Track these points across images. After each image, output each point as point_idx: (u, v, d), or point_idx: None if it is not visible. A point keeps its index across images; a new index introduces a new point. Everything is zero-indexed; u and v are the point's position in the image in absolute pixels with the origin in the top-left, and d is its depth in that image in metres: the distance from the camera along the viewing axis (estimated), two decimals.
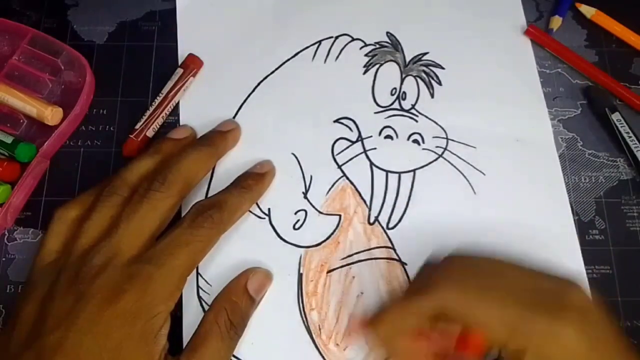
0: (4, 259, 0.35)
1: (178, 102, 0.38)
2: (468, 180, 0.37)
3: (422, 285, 0.28)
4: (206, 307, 0.33)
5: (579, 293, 0.27)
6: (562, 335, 0.25)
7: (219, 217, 0.31)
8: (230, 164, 0.37)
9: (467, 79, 0.40)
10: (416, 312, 0.28)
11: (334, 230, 0.36)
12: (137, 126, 0.37)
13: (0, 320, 0.34)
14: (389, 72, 0.40)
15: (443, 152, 0.38)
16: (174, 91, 0.37)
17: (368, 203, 0.36)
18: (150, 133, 0.37)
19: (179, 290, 0.30)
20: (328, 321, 0.34)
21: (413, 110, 0.39)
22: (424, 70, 0.40)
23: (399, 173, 0.37)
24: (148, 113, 0.37)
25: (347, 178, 0.37)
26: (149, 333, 0.28)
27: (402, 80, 0.40)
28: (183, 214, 0.33)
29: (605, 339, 0.26)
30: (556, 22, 0.41)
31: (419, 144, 0.38)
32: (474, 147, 0.38)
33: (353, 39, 0.41)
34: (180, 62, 0.39)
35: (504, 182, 0.37)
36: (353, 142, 0.38)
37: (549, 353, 0.25)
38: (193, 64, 0.38)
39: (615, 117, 0.38)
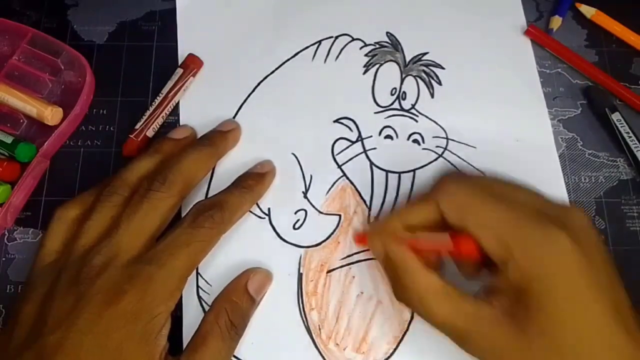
0: (4, 259, 0.35)
1: (178, 102, 0.38)
2: None
3: (422, 195, 0.29)
4: (206, 307, 0.33)
5: (582, 217, 0.27)
6: (553, 248, 0.25)
7: (220, 217, 0.31)
8: (231, 164, 0.37)
9: (467, 79, 0.40)
10: (410, 217, 0.28)
11: (334, 230, 0.36)
12: (137, 126, 0.37)
13: (0, 320, 0.34)
14: (389, 72, 0.40)
15: (443, 152, 0.38)
16: (174, 91, 0.37)
17: (368, 203, 0.36)
18: (150, 133, 0.37)
19: (179, 291, 0.30)
20: (328, 321, 0.34)
21: (413, 110, 0.39)
22: (424, 70, 0.40)
23: (399, 173, 0.37)
24: (148, 113, 0.37)
25: (347, 178, 0.37)
26: (149, 333, 0.28)
27: (402, 80, 0.40)
28: (183, 214, 0.33)
29: (597, 265, 0.26)
30: (556, 22, 0.41)
31: (419, 143, 0.38)
32: (474, 147, 0.38)
33: (353, 39, 0.41)
34: (180, 62, 0.39)
35: None
36: (353, 142, 0.38)
37: (534, 264, 0.25)
38: (193, 64, 0.38)
39: (615, 117, 0.38)
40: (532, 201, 0.28)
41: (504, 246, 0.26)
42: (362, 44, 0.40)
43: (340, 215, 0.36)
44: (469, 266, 0.30)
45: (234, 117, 0.38)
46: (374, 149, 0.38)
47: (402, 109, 0.39)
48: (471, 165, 0.37)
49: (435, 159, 0.38)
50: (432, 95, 0.39)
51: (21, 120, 0.37)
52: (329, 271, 0.35)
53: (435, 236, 0.28)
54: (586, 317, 0.25)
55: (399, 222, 0.29)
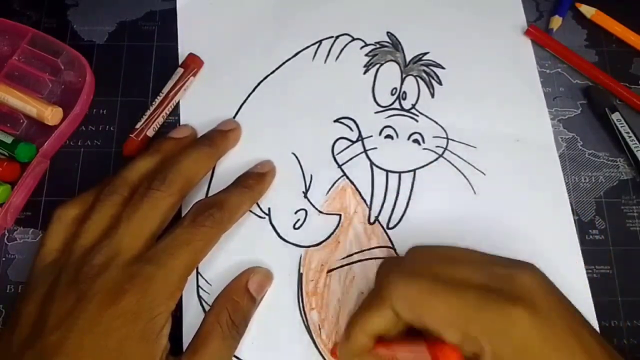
0: (4, 259, 0.35)
1: (178, 102, 0.38)
2: (468, 180, 0.37)
3: (374, 296, 0.28)
4: (206, 307, 0.33)
5: (528, 275, 0.26)
6: (513, 330, 0.24)
7: (220, 216, 0.31)
8: (231, 164, 0.37)
9: (467, 79, 0.40)
10: (371, 326, 0.27)
11: (334, 230, 0.36)
12: (138, 126, 0.37)
13: (0, 320, 0.34)
14: (390, 72, 0.40)
15: (443, 152, 0.38)
16: (174, 91, 0.37)
17: (368, 203, 0.36)
18: (150, 133, 0.37)
19: (179, 290, 0.30)
20: (328, 321, 0.34)
21: (413, 110, 0.39)
22: (424, 70, 0.40)
23: (399, 173, 0.37)
24: (148, 113, 0.37)
25: (348, 178, 0.37)
26: (150, 333, 0.28)
27: (403, 80, 0.40)
28: (184, 214, 0.33)
29: (560, 325, 0.25)
30: (556, 22, 0.41)
31: (419, 143, 0.38)
32: (474, 147, 0.38)
33: (353, 39, 0.41)
34: (180, 61, 0.39)
35: (504, 182, 0.37)
36: (353, 142, 0.38)
37: (504, 347, 0.24)
38: (193, 63, 0.38)
39: (615, 117, 0.38)
40: (480, 275, 0.27)
41: (472, 340, 0.25)
42: (363, 44, 0.40)
43: (340, 215, 0.36)
44: None
45: (234, 117, 0.38)
46: (374, 148, 0.38)
47: (402, 109, 0.39)
48: (472, 165, 0.37)
49: (436, 159, 0.38)
50: (433, 95, 0.39)
51: (21, 120, 0.37)
52: (329, 271, 0.35)
53: (413, 348, 0.27)
54: None
55: (364, 335, 0.28)
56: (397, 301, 0.26)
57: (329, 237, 0.36)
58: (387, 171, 0.37)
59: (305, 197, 0.36)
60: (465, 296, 0.25)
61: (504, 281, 0.26)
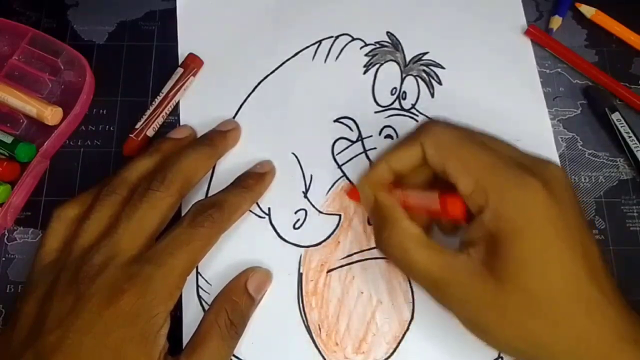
0: (3, 259, 0.35)
1: (178, 102, 0.38)
2: None
3: (407, 136, 0.30)
4: (206, 307, 0.33)
5: (557, 167, 0.27)
6: (524, 198, 0.25)
7: (219, 216, 0.31)
8: (231, 164, 0.37)
9: (467, 79, 0.40)
10: (397, 160, 0.29)
11: (334, 230, 0.36)
12: (137, 126, 0.37)
13: (0, 320, 0.34)
14: (389, 72, 0.40)
15: None
16: (174, 91, 0.37)
17: None
18: (150, 133, 0.37)
19: (178, 290, 0.30)
20: (328, 321, 0.34)
21: (413, 110, 0.39)
22: (424, 69, 0.40)
23: None
24: (148, 113, 0.37)
25: (348, 178, 0.37)
26: (148, 333, 0.28)
27: (403, 79, 0.40)
28: (183, 213, 0.33)
29: (569, 217, 0.26)
30: (556, 22, 0.41)
31: None
32: None
33: (353, 39, 0.41)
34: (180, 61, 0.39)
35: None
36: (353, 142, 0.38)
37: (508, 209, 0.25)
38: (193, 63, 0.38)
39: (615, 117, 0.38)
40: (512, 152, 0.28)
41: (481, 192, 0.26)
42: (363, 44, 0.40)
43: (340, 215, 0.36)
44: (448, 223, 0.30)
45: (234, 117, 0.38)
46: (374, 148, 0.38)
47: (402, 109, 0.39)
48: None
49: None
50: (433, 95, 0.39)
51: (21, 120, 0.37)
52: (329, 271, 0.35)
53: (425, 194, 0.29)
54: (555, 266, 0.25)
55: (387, 167, 0.29)
56: (428, 140, 0.28)
57: (328, 237, 0.36)
58: None
59: (305, 197, 0.36)
60: (492, 155, 0.27)
61: (531, 161, 0.27)
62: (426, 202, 0.29)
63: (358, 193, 0.32)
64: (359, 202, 0.35)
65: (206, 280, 0.34)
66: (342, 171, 0.37)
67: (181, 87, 0.38)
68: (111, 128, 0.38)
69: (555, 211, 0.25)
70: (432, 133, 0.28)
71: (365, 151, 0.38)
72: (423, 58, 0.40)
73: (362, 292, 0.34)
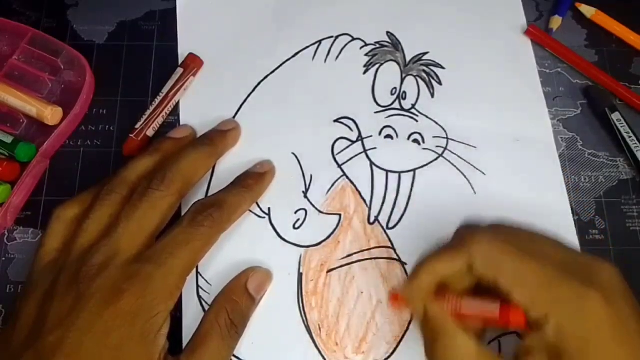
0: (3, 259, 0.35)
1: (178, 102, 0.38)
2: (468, 180, 0.37)
3: (454, 244, 0.29)
4: (206, 307, 0.33)
5: (610, 270, 0.27)
6: (587, 305, 0.25)
7: (219, 216, 0.31)
8: (231, 164, 0.37)
9: (467, 79, 0.40)
10: (441, 269, 0.28)
11: (334, 230, 0.36)
12: (138, 126, 0.37)
13: (0, 320, 0.34)
14: (389, 72, 0.40)
15: (443, 152, 0.38)
16: (174, 91, 0.37)
17: (368, 203, 0.36)
18: (150, 132, 0.37)
19: (178, 290, 0.30)
20: (328, 320, 0.34)
21: (413, 110, 0.39)
22: (424, 70, 0.40)
23: (399, 173, 0.37)
24: (148, 112, 0.37)
25: (347, 177, 0.37)
26: (148, 333, 0.28)
27: (403, 79, 0.40)
28: (183, 213, 0.33)
29: (631, 324, 0.26)
30: (556, 22, 0.41)
31: (419, 143, 0.38)
32: (474, 147, 0.38)
33: (353, 39, 0.41)
34: (180, 61, 0.39)
35: (504, 182, 0.37)
36: (353, 142, 0.38)
37: (571, 323, 0.25)
38: (193, 63, 0.38)
39: (615, 117, 0.38)
40: (564, 255, 0.28)
41: (540, 306, 0.26)
42: (363, 44, 0.40)
43: (340, 215, 0.36)
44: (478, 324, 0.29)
45: (234, 117, 0.38)
46: (374, 148, 0.38)
47: (402, 109, 0.39)
48: (472, 165, 0.37)
49: (435, 159, 0.38)
50: (433, 95, 0.39)
51: (21, 120, 0.37)
52: (329, 271, 0.35)
53: (482, 304, 0.28)
54: None
55: (432, 276, 0.28)
56: (476, 254, 0.27)
57: (328, 237, 0.36)
58: (387, 171, 0.37)
59: (305, 197, 0.36)
60: (546, 266, 0.26)
61: (585, 267, 0.27)
62: (483, 312, 0.27)
63: (401, 300, 0.30)
64: (401, 309, 0.34)
65: (206, 280, 0.34)
66: (342, 171, 0.37)
67: (181, 87, 0.38)
68: (111, 128, 0.38)
69: (616, 320, 0.25)
70: (479, 244, 0.27)
71: (365, 151, 0.38)
72: (423, 58, 0.40)
73: (362, 292, 0.34)
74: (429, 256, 0.29)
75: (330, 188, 0.37)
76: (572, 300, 0.25)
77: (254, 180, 0.35)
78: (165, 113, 0.38)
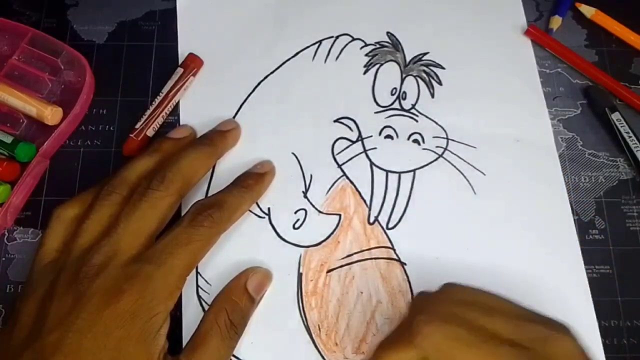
0: (3, 258, 0.35)
1: (178, 102, 0.38)
2: (468, 180, 0.37)
3: (404, 333, 0.28)
4: (206, 307, 0.33)
5: (565, 343, 0.26)
6: None
7: (219, 216, 0.31)
8: (231, 164, 0.37)
9: (467, 79, 0.40)
10: None
11: (334, 230, 0.36)
12: (137, 126, 0.37)
13: (0, 320, 0.34)
14: (389, 72, 0.40)
15: (443, 152, 0.38)
16: (174, 91, 0.37)
17: (368, 203, 0.36)
18: (150, 132, 0.37)
19: (178, 290, 0.30)
20: (328, 321, 0.34)
21: (413, 110, 0.39)
22: (424, 70, 0.40)
23: (399, 173, 0.37)
24: (148, 112, 0.37)
25: (347, 177, 0.37)
26: (148, 333, 0.28)
27: (403, 80, 0.40)
28: (183, 213, 0.33)
29: None
30: (556, 22, 0.41)
31: (419, 143, 0.38)
32: (474, 147, 0.38)
33: (353, 39, 0.41)
34: (180, 61, 0.39)
35: (504, 182, 0.37)
36: (353, 142, 0.38)
37: None
38: (193, 63, 0.38)
39: (615, 117, 0.38)
40: (516, 331, 0.27)
41: None
42: (363, 44, 0.40)
43: (340, 215, 0.36)
44: None
45: (234, 117, 0.38)
46: (374, 148, 0.38)
47: (402, 109, 0.39)
48: (472, 165, 0.37)
49: (436, 159, 0.38)
50: (433, 95, 0.39)
51: (21, 120, 0.37)
52: (328, 271, 0.35)
53: None
54: None
55: None
56: (426, 343, 0.26)
57: (328, 237, 0.36)
58: (387, 171, 0.37)
59: (305, 197, 0.36)
60: (497, 352, 0.25)
61: (538, 343, 0.26)
62: None
63: None
64: None
65: (206, 280, 0.34)
66: (342, 171, 0.37)
67: (181, 87, 0.38)
68: (111, 128, 0.38)
69: None
70: (428, 334, 0.27)
71: (365, 151, 0.38)
72: (423, 58, 0.40)
73: (361, 292, 0.34)
74: (384, 345, 0.28)
75: (330, 188, 0.37)
76: None
77: (254, 180, 0.35)
78: (165, 113, 0.38)
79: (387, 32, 0.41)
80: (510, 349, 0.26)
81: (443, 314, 0.28)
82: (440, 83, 0.40)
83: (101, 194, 0.31)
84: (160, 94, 0.37)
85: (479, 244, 0.35)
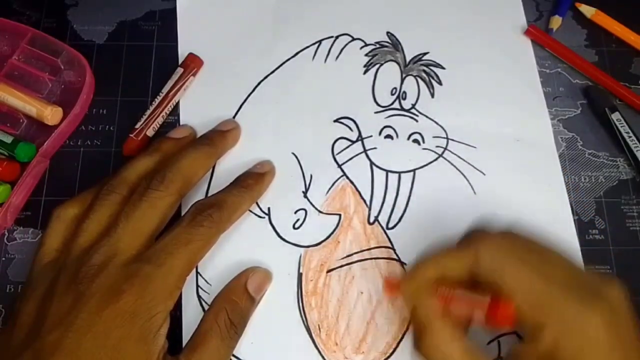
0: (3, 258, 0.35)
1: (178, 102, 0.38)
2: (468, 180, 0.37)
3: (461, 244, 0.29)
4: (206, 307, 0.33)
5: (616, 291, 0.27)
6: (588, 322, 0.25)
7: (219, 216, 0.31)
8: (230, 164, 0.37)
9: (467, 79, 0.40)
10: (446, 265, 0.28)
11: (334, 230, 0.36)
12: (137, 125, 0.37)
13: (0, 320, 0.34)
14: (389, 72, 0.40)
15: (443, 152, 0.38)
16: (174, 90, 0.37)
17: (368, 203, 0.36)
18: (150, 132, 0.37)
19: (178, 290, 0.30)
20: (328, 321, 0.34)
21: (413, 110, 0.39)
22: (424, 70, 0.40)
23: (399, 173, 0.37)
24: (148, 112, 0.37)
25: (347, 177, 0.37)
26: (147, 333, 0.28)
27: (403, 80, 0.40)
28: (183, 213, 0.33)
29: (631, 339, 0.26)
30: (556, 22, 0.41)
31: (419, 143, 0.38)
32: (474, 147, 0.38)
33: (353, 39, 0.41)
34: (180, 61, 0.39)
35: (504, 182, 0.37)
36: (353, 142, 0.38)
37: (568, 341, 0.25)
38: (193, 63, 0.38)
39: (615, 117, 0.38)
40: (569, 273, 0.27)
41: (539, 313, 0.25)
42: (363, 44, 0.40)
43: (340, 215, 0.36)
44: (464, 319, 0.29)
45: (233, 117, 0.38)
46: (374, 148, 0.38)
47: (402, 109, 0.39)
48: (471, 165, 0.37)
49: (435, 159, 0.38)
50: (433, 95, 0.39)
51: (21, 120, 0.37)
52: (328, 271, 0.35)
53: (473, 297, 0.27)
54: None
55: (434, 270, 0.28)
56: (485, 252, 0.27)
57: (328, 237, 0.36)
58: (387, 171, 0.37)
59: (305, 196, 0.36)
60: (551, 278, 0.26)
61: (590, 286, 0.27)
62: (474, 305, 0.27)
63: (396, 287, 0.30)
64: (395, 296, 0.33)
65: (206, 280, 0.34)
66: (342, 171, 0.37)
67: (181, 87, 0.38)
68: (111, 128, 0.38)
69: (613, 340, 0.25)
70: (488, 242, 0.27)
71: (365, 151, 0.38)
72: (423, 58, 0.40)
73: (361, 292, 0.34)
74: (435, 252, 0.29)
75: (330, 188, 0.37)
76: (572, 318, 0.25)
77: (254, 180, 0.35)
78: (165, 113, 0.38)
79: (387, 32, 0.41)
80: (563, 280, 0.26)
81: (505, 237, 0.29)
82: (440, 83, 0.40)
83: (101, 194, 0.31)
84: (160, 94, 0.37)
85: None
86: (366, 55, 0.40)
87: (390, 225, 0.36)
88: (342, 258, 0.35)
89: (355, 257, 0.35)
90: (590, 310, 0.25)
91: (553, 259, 0.28)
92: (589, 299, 0.26)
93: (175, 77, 0.38)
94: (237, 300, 0.32)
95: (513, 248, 0.27)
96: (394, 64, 0.40)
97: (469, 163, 0.38)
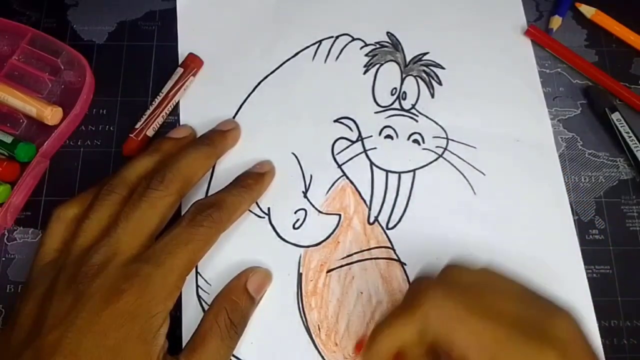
0: (3, 259, 0.35)
1: (178, 102, 0.38)
2: (468, 180, 0.37)
3: (406, 305, 0.27)
4: (206, 307, 0.33)
5: (567, 322, 0.26)
6: None
7: (218, 216, 0.31)
8: (230, 164, 0.37)
9: (467, 79, 0.40)
10: (395, 337, 0.27)
11: (334, 230, 0.36)
12: (137, 125, 0.37)
13: (0, 320, 0.34)
14: (389, 72, 0.40)
15: (443, 152, 0.38)
16: (174, 91, 0.37)
17: (368, 203, 0.36)
18: (150, 132, 0.37)
19: (178, 290, 0.30)
20: (327, 321, 0.34)
21: (413, 110, 0.39)
22: (424, 70, 0.40)
23: (399, 173, 0.37)
24: (148, 112, 0.37)
25: (347, 177, 0.37)
26: (147, 333, 0.28)
27: (403, 80, 0.40)
28: (183, 213, 0.33)
29: None
30: (556, 22, 0.41)
31: (419, 143, 0.38)
32: (474, 147, 0.38)
33: (353, 39, 0.41)
34: (180, 61, 0.39)
35: (504, 182, 0.37)
36: (353, 142, 0.38)
37: None
38: (193, 63, 0.38)
39: (615, 117, 0.38)
40: (517, 310, 0.26)
41: None
42: (363, 44, 0.40)
43: (340, 215, 0.36)
44: None
45: (234, 117, 0.38)
46: (374, 148, 0.38)
47: (402, 109, 0.39)
48: (471, 165, 0.37)
49: (435, 159, 0.38)
50: (433, 95, 0.39)
51: (21, 120, 0.37)
52: (328, 271, 0.35)
53: None
54: None
55: (391, 343, 0.27)
56: (431, 311, 0.26)
57: (328, 237, 0.36)
58: (387, 171, 0.37)
59: (305, 197, 0.36)
60: (500, 325, 0.25)
61: (541, 322, 0.26)
62: None
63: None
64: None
65: (206, 280, 0.34)
66: (342, 171, 0.37)
67: (181, 87, 0.38)
68: (111, 128, 0.38)
69: None
70: (433, 302, 0.26)
71: (365, 151, 0.38)
72: (423, 58, 0.40)
73: (361, 293, 0.34)
74: (386, 319, 0.27)
75: (330, 188, 0.37)
76: None
77: (253, 180, 0.35)
78: (165, 113, 0.38)
79: (387, 32, 0.41)
80: (512, 324, 0.25)
81: (446, 286, 0.27)
82: (440, 83, 0.40)
83: (101, 194, 0.31)
84: (160, 94, 0.37)
85: (478, 244, 0.35)
86: (366, 55, 0.40)
87: (390, 225, 0.36)
88: (342, 258, 0.35)
89: (355, 257, 0.35)
90: (538, 352, 0.24)
91: (498, 302, 0.26)
92: (542, 340, 0.25)
93: (175, 77, 0.38)
94: (237, 300, 0.32)
95: (460, 305, 0.26)
96: (394, 64, 0.40)
97: (469, 163, 0.38)
